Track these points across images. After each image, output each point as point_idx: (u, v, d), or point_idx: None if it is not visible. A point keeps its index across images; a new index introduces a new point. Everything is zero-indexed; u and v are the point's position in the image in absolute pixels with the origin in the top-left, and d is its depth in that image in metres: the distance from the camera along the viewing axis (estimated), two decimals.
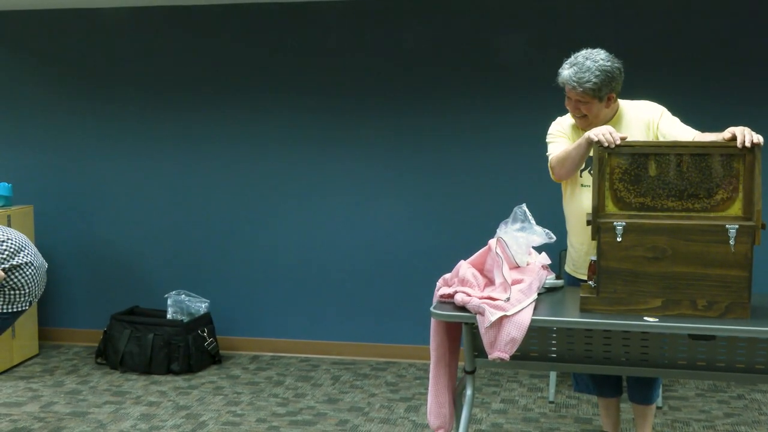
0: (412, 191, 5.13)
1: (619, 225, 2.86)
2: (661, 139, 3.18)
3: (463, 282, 2.97)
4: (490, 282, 3.02)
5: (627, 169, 2.93)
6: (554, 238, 3.12)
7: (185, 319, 5.05)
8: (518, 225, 3.13)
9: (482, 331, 2.83)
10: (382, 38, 5.07)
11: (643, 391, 3.46)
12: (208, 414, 4.26)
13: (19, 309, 3.82)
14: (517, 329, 2.79)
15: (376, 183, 5.17)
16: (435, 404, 3.13)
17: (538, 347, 3.05)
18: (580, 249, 3.35)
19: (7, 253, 3.75)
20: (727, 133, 2.89)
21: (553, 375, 4.45)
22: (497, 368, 4.69)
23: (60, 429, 4.05)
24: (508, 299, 2.84)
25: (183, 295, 5.16)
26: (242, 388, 4.67)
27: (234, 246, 5.36)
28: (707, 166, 2.89)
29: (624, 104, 3.32)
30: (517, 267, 3.12)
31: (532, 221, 3.14)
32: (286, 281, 5.32)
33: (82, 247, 5.52)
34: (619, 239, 2.87)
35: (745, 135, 2.84)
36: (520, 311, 2.82)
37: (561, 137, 3.34)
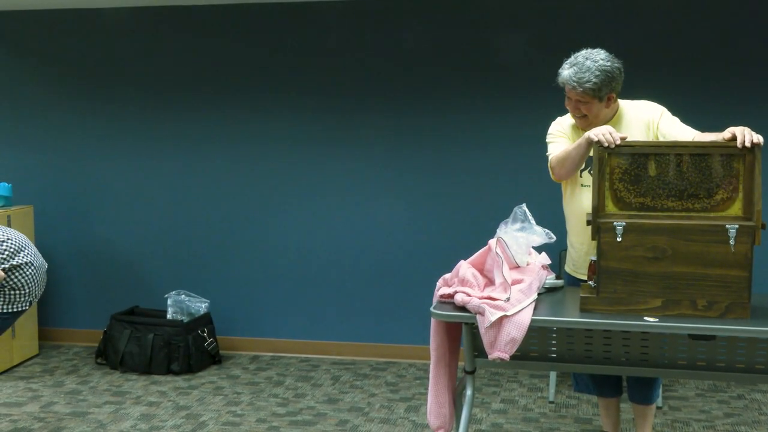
0: (412, 191, 5.13)
1: (619, 225, 2.86)
2: (661, 139, 3.18)
3: (463, 282, 2.97)
4: (490, 282, 3.02)
5: (627, 169, 2.93)
6: (554, 238, 3.12)
7: (185, 319, 5.05)
8: (518, 225, 3.12)
9: (482, 331, 2.83)
10: (382, 38, 5.08)
11: (643, 391, 3.46)
12: (208, 414, 4.26)
13: (19, 309, 3.82)
14: (517, 329, 2.79)
15: (376, 183, 5.17)
16: (435, 404, 3.13)
17: (538, 347, 3.05)
18: (580, 249, 3.35)
19: (7, 253, 3.75)
20: (727, 133, 2.89)
21: (553, 375, 4.45)
22: (497, 368, 4.69)
23: (60, 429, 4.05)
24: (508, 299, 2.84)
25: (183, 295, 5.16)
26: (242, 388, 4.67)
27: (234, 246, 5.36)
28: (707, 166, 2.89)
29: (624, 104, 3.32)
30: (517, 267, 3.12)
31: (532, 221, 3.14)
32: (286, 281, 5.32)
33: (82, 247, 5.52)
34: (619, 239, 2.86)
35: (745, 135, 2.84)
36: (520, 311, 2.82)
37: (561, 137, 3.34)
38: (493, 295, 2.88)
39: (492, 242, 3.03)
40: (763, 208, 3.03)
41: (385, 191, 5.16)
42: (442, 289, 3.04)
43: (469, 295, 2.89)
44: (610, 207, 2.94)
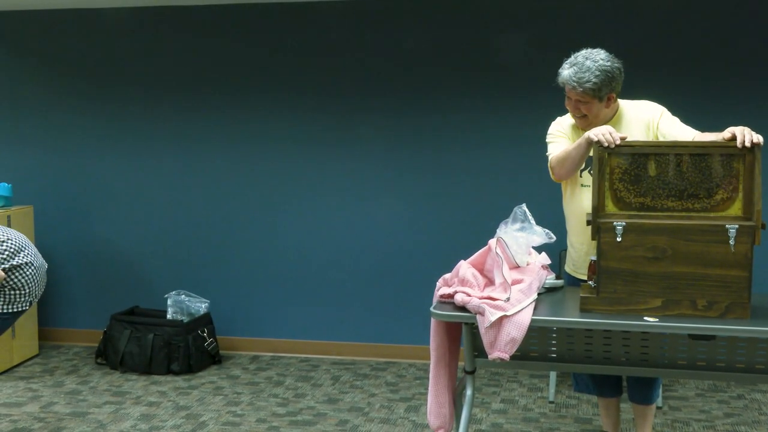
0: (412, 191, 5.13)
1: (619, 225, 2.86)
2: (661, 139, 3.18)
3: (463, 282, 2.97)
4: (490, 282, 3.02)
5: (627, 169, 2.93)
6: (554, 238, 3.12)
7: (185, 319, 5.05)
8: (518, 225, 3.13)
9: (482, 331, 2.83)
10: (382, 38, 5.08)
11: (643, 391, 3.46)
12: (208, 414, 4.26)
13: (20, 309, 3.82)
14: (517, 329, 2.79)
15: (376, 183, 5.17)
16: (435, 404, 3.13)
17: (538, 347, 3.05)
18: (580, 249, 3.35)
19: (7, 253, 3.75)
20: (727, 133, 2.89)
21: (553, 375, 4.45)
22: (497, 368, 4.69)
23: (60, 429, 4.05)
24: (508, 299, 2.84)
25: (183, 295, 5.16)
26: (242, 388, 4.67)
27: (234, 246, 5.36)
28: (707, 166, 2.89)
29: (624, 104, 3.32)
30: (517, 267, 3.12)
31: (532, 221, 3.14)
32: (286, 281, 5.32)
33: (82, 247, 5.52)
34: (619, 239, 2.86)
35: (744, 135, 2.84)
36: (520, 311, 2.82)
37: (561, 137, 3.34)
38: (493, 295, 2.88)
39: (492, 242, 3.03)
40: (763, 208, 3.02)
41: (385, 191, 5.16)
42: (442, 289, 3.04)
43: (469, 295, 2.89)
44: (610, 207, 2.94)
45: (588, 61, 3.13)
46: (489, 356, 2.84)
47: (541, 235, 3.10)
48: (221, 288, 5.37)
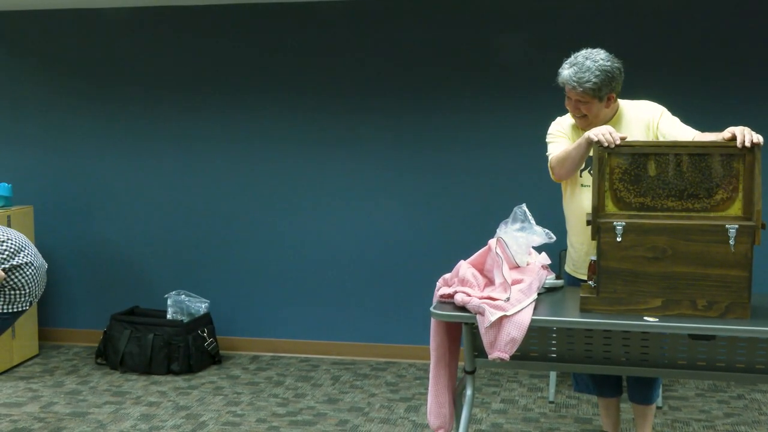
0: (412, 191, 5.13)
1: (619, 225, 2.86)
2: (660, 139, 3.18)
3: (463, 282, 2.97)
4: (490, 282, 3.02)
5: (627, 169, 2.93)
6: (554, 238, 3.12)
7: (185, 319, 5.05)
8: (518, 225, 3.12)
9: (482, 331, 2.83)
10: (382, 38, 5.07)
11: (643, 391, 3.46)
12: (208, 414, 4.26)
13: (20, 309, 3.82)
14: (517, 329, 2.79)
15: (376, 183, 5.17)
16: (435, 404, 3.13)
17: (538, 347, 3.05)
18: (580, 249, 3.35)
19: (7, 253, 3.75)
20: (726, 133, 2.89)
21: (553, 375, 4.45)
22: (497, 368, 4.69)
23: (60, 429, 4.05)
24: (508, 299, 2.84)
25: (183, 295, 5.16)
26: (242, 388, 4.67)
27: (234, 246, 5.36)
28: (707, 166, 2.89)
29: (624, 104, 3.32)
30: (517, 267, 3.12)
31: (532, 221, 3.14)
32: (286, 281, 5.32)
33: (82, 247, 5.52)
34: (619, 239, 2.86)
35: (744, 135, 2.84)
36: (520, 311, 2.82)
37: (561, 137, 3.34)
38: (493, 295, 2.88)
39: (492, 242, 3.03)
40: (763, 208, 3.02)
41: (384, 191, 5.16)
42: (442, 289, 3.04)
43: (469, 295, 2.89)
44: (610, 207, 2.94)
45: (588, 61, 3.13)
46: (489, 356, 2.84)
47: (541, 235, 3.10)
48: (221, 288, 5.37)
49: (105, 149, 5.44)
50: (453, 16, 4.97)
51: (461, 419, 3.04)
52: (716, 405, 4.36)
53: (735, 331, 2.75)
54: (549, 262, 3.30)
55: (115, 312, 5.19)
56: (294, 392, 4.62)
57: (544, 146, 3.41)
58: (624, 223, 2.86)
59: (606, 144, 2.91)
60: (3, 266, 3.72)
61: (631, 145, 2.94)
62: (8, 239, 3.79)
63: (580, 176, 3.29)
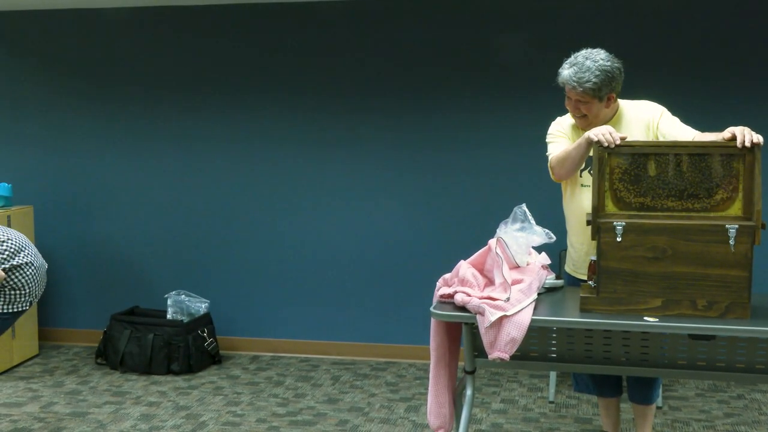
0: (412, 191, 5.13)
1: (619, 225, 2.86)
2: (660, 139, 3.18)
3: (463, 282, 2.97)
4: (490, 282, 3.02)
5: (627, 169, 2.93)
6: (554, 238, 3.12)
7: (185, 319, 5.05)
8: (518, 225, 3.12)
9: (482, 331, 2.83)
10: (382, 38, 5.08)
11: (643, 391, 3.46)
12: (208, 414, 4.26)
13: (20, 309, 3.82)
14: (517, 329, 2.79)
15: (376, 183, 5.17)
16: (435, 404, 3.13)
17: (538, 347, 3.05)
18: (580, 249, 3.35)
19: (7, 253, 3.75)
20: (726, 133, 2.89)
21: (553, 375, 4.45)
22: (497, 368, 4.69)
23: (60, 429, 4.05)
24: (508, 299, 2.84)
25: (183, 295, 5.16)
26: (242, 388, 4.67)
27: (234, 246, 5.36)
28: (707, 166, 2.89)
29: (624, 104, 3.32)
30: (517, 267, 3.12)
31: (532, 221, 3.14)
32: (286, 281, 5.32)
33: (82, 247, 5.52)
34: (619, 239, 2.86)
35: (744, 135, 2.84)
36: (520, 311, 2.82)
37: (561, 137, 3.34)
38: (493, 295, 2.88)
39: (492, 242, 3.03)
40: (763, 208, 3.02)
41: (385, 191, 5.16)
42: (442, 289, 3.04)
43: (469, 295, 2.89)
44: (610, 207, 2.94)
45: (588, 61, 3.13)
46: (489, 356, 2.84)
47: (541, 235, 3.10)
48: (221, 288, 5.37)
49: (105, 149, 5.44)
50: (453, 16, 4.97)
51: (461, 419, 3.04)
52: (716, 405, 4.36)
53: (735, 331, 2.75)
54: (549, 262, 3.30)
55: (115, 312, 5.19)
56: (294, 392, 4.62)
57: (544, 146, 3.41)
58: (624, 223, 2.86)
59: (606, 144, 2.91)
60: (3, 266, 3.72)
61: (631, 145, 2.94)
62: (8, 239, 3.79)
63: (580, 176, 3.29)
